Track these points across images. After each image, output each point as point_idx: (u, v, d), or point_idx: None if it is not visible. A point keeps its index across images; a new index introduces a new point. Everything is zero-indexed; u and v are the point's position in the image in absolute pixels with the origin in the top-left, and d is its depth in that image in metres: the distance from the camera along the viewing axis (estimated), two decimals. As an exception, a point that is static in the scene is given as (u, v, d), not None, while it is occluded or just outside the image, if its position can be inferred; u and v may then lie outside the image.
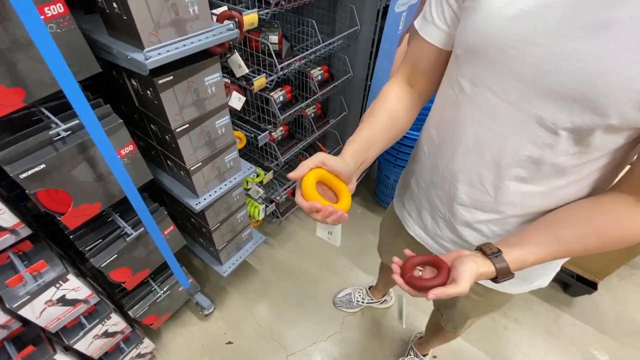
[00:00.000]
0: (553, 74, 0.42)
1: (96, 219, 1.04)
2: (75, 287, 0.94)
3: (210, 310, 1.57)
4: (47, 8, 0.63)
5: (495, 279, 0.49)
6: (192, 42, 0.80)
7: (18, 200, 0.99)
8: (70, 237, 0.98)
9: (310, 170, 0.51)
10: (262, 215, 1.66)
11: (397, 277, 0.51)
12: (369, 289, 1.62)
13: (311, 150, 1.86)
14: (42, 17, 0.62)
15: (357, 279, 1.77)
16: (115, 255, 1.00)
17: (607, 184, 0.52)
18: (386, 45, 1.46)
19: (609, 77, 0.38)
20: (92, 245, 0.98)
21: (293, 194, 1.97)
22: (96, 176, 0.85)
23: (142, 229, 1.00)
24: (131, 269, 1.09)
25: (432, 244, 0.75)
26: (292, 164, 1.95)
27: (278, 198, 1.72)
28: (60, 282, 0.90)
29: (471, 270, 0.47)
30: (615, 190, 0.49)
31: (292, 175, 0.51)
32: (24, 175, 0.70)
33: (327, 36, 1.51)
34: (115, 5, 0.70)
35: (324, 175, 0.52)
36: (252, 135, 1.37)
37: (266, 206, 1.66)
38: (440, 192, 0.65)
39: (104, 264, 0.98)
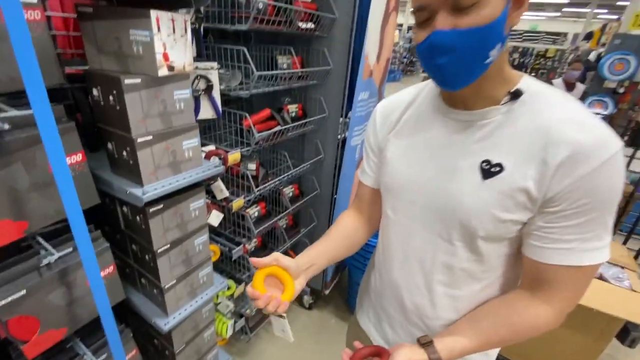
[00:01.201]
0: (435, 203, 0.61)
1: (54, 346, 1.00)
2: None
3: None
4: (70, 157, 0.78)
5: None
6: (184, 178, 0.97)
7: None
8: (21, 369, 0.91)
9: (265, 267, 0.65)
10: (230, 332, 1.60)
11: None
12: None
13: (282, 260, 1.93)
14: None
15: (332, 404, 1.62)
16: (67, 390, 0.92)
17: (516, 285, 0.65)
18: (345, 170, 1.74)
19: (467, 207, 0.57)
20: (43, 379, 0.91)
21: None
22: (70, 300, 0.87)
23: (105, 354, 0.96)
24: (79, 407, 0.98)
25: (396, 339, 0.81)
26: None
27: (248, 311, 1.68)
28: None
29: (405, 355, 0.58)
30: (519, 287, 0.62)
31: (253, 260, 0.66)
32: (2, 302, 0.73)
33: (297, 161, 1.79)
34: (125, 153, 0.88)
35: (276, 271, 0.66)
36: (227, 249, 1.45)
37: (235, 321, 1.61)
38: (393, 300, 0.75)
39: (51, 402, 0.89)
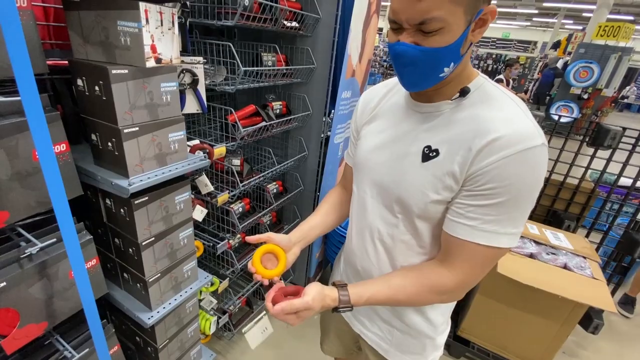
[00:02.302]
0: (384, 179, 0.70)
1: (32, 342, 0.97)
2: None
3: None
4: (55, 147, 0.77)
5: (336, 308, 0.66)
6: (169, 170, 0.97)
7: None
8: (-4, 366, 0.88)
9: (261, 246, 0.76)
10: (213, 329, 1.59)
11: (267, 302, 0.67)
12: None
13: (266, 256, 1.94)
14: (47, 154, 0.77)
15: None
16: (47, 386, 0.90)
17: None
18: (329, 166, 1.78)
19: (405, 185, 0.65)
20: (20, 376, 0.89)
21: (247, 303, 1.93)
22: (52, 293, 0.85)
23: (86, 350, 0.95)
24: (59, 404, 0.96)
25: (355, 323, 0.89)
26: (248, 271, 1.98)
27: (232, 308, 1.68)
28: None
29: (315, 288, 0.65)
30: (434, 258, 0.70)
31: (248, 238, 0.76)
32: (-19, 294, 0.71)
33: (281, 158, 1.81)
34: (109, 144, 0.87)
35: (271, 248, 0.76)
36: (211, 244, 1.45)
37: (218, 318, 1.61)
38: (349, 266, 0.87)
39: (30, 398, 0.87)
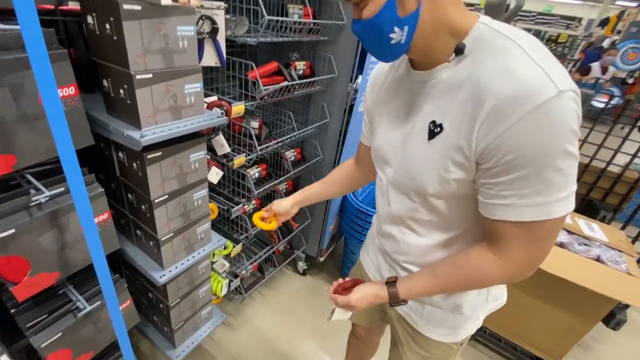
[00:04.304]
0: (397, 166, 0.68)
1: (45, 291, 0.97)
2: (3, 374, 0.82)
3: (153, 407, 1.36)
4: (62, 90, 0.71)
5: (390, 303, 0.69)
6: (184, 125, 0.90)
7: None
8: (12, 310, 0.89)
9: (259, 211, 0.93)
10: (224, 291, 1.60)
11: (331, 293, 0.75)
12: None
13: (282, 225, 1.91)
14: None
15: (321, 366, 1.66)
16: (60, 334, 0.90)
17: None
18: (351, 136, 1.68)
19: (417, 168, 0.61)
20: (34, 322, 0.89)
21: (259, 269, 1.94)
22: (62, 244, 0.83)
23: (98, 302, 0.94)
24: (72, 351, 0.97)
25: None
26: (261, 237, 1.96)
27: (244, 272, 1.68)
28: (-12, 366, 0.78)
29: (365, 288, 0.71)
30: (480, 241, 0.63)
31: (258, 223, 0.93)
32: (-11, 240, 0.68)
33: (301, 124, 1.72)
34: (122, 92, 0.81)
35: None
36: (225, 208, 1.41)
37: (230, 281, 1.60)
38: (376, 247, 0.87)
39: (44, 344, 0.87)
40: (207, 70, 1.39)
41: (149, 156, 0.88)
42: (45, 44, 0.67)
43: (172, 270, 1.11)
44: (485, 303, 0.77)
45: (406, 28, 0.53)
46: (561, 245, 1.54)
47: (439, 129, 0.56)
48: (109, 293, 0.88)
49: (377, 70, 0.77)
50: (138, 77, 0.77)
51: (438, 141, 0.56)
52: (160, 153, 0.91)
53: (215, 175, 1.30)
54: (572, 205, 0.50)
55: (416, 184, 0.62)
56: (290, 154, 1.67)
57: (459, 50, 0.53)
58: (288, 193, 1.84)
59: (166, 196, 0.98)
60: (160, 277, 1.07)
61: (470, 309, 0.75)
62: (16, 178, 0.79)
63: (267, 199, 1.89)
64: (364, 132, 0.88)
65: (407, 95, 0.65)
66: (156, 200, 0.96)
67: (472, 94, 0.51)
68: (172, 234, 1.06)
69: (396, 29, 0.53)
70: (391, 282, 0.69)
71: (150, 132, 0.83)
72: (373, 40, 0.57)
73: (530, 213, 0.50)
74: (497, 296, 0.80)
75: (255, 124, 1.41)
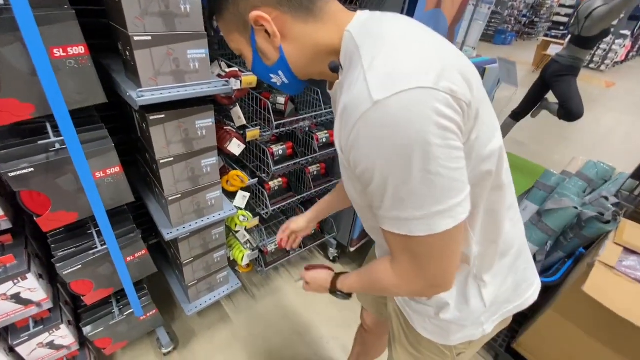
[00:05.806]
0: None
1: (79, 227, 1.14)
2: (32, 288, 0.99)
3: (169, 350, 1.51)
4: (71, 48, 0.79)
5: (330, 289, 0.77)
6: (186, 90, 0.93)
7: (13, 197, 1.11)
8: (50, 238, 1.06)
9: None
10: (245, 262, 1.66)
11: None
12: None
13: (308, 205, 1.88)
14: (65, 54, 0.79)
15: (330, 356, 1.61)
16: (80, 266, 1.05)
17: None
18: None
19: (348, 187, 0.63)
20: (63, 252, 1.05)
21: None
22: (78, 188, 0.94)
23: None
24: (94, 283, 1.13)
25: None
26: (289, 215, 1.97)
27: (268, 247, 1.72)
28: (19, 278, 0.96)
29: (321, 272, 0.81)
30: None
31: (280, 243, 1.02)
32: (13, 174, 0.81)
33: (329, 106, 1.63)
34: (127, 53, 0.86)
35: None
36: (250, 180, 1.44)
37: (252, 251, 1.66)
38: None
39: (66, 272, 1.03)
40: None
41: (151, 117, 0.93)
42: (55, 4, 0.74)
43: (180, 229, 1.18)
44: (484, 308, 0.66)
45: (280, 72, 0.57)
46: (636, 279, 1.16)
47: (339, 149, 0.55)
48: (110, 241, 0.98)
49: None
50: (136, 38, 0.81)
51: (343, 159, 0.57)
52: (163, 115, 0.95)
53: (237, 147, 1.33)
54: (437, 227, 0.45)
55: (354, 200, 0.65)
56: (322, 135, 1.60)
57: (334, 69, 0.53)
58: (320, 176, 1.79)
59: (171, 158, 1.04)
60: (167, 233, 1.16)
61: (456, 312, 0.66)
62: (36, 124, 0.91)
63: (296, 179, 1.87)
64: None
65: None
66: (161, 161, 1.02)
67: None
68: (179, 196, 1.13)
69: (272, 75, 0.58)
70: (339, 273, 0.77)
71: (149, 94, 0.87)
72: (265, 81, 0.62)
73: (390, 225, 0.49)
74: (507, 299, 0.68)
75: (281, 99, 1.39)
